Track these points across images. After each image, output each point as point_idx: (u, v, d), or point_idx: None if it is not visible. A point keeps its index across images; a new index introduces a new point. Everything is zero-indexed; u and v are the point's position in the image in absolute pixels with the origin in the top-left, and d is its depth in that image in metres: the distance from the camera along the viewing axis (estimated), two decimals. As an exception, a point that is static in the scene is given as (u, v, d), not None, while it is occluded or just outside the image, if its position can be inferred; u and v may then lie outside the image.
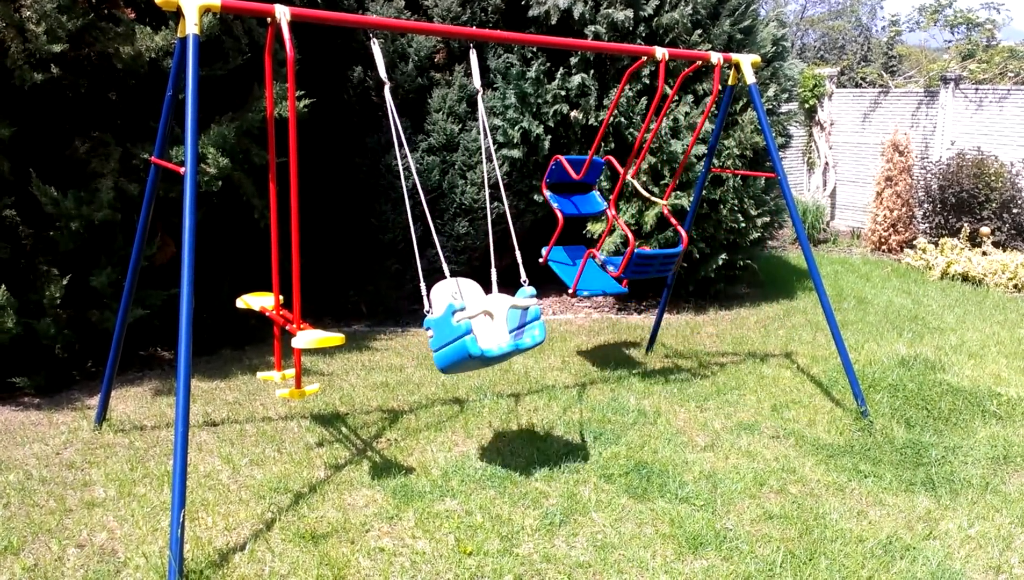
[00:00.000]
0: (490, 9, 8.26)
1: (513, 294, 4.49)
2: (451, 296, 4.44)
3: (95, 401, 5.62)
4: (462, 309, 4.17)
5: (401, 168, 5.02)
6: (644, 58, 5.50)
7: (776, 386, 6.25)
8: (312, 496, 4.32)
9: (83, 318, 5.92)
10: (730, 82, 5.90)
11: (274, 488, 4.40)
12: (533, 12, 8.11)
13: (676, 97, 8.23)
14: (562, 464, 4.79)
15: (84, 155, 5.81)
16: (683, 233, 6.07)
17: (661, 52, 5.36)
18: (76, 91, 5.72)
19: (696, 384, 6.26)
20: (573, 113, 8.18)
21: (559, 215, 6.00)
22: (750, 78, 5.67)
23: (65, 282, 5.60)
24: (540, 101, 8.08)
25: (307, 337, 4.15)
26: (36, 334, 5.62)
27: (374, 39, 4.46)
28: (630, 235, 5.90)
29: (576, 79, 8.02)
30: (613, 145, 8.17)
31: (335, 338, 4.16)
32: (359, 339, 7.36)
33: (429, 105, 8.07)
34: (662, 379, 6.34)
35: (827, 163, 13.54)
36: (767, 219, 8.74)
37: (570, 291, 5.89)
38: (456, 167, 8.07)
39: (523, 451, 4.96)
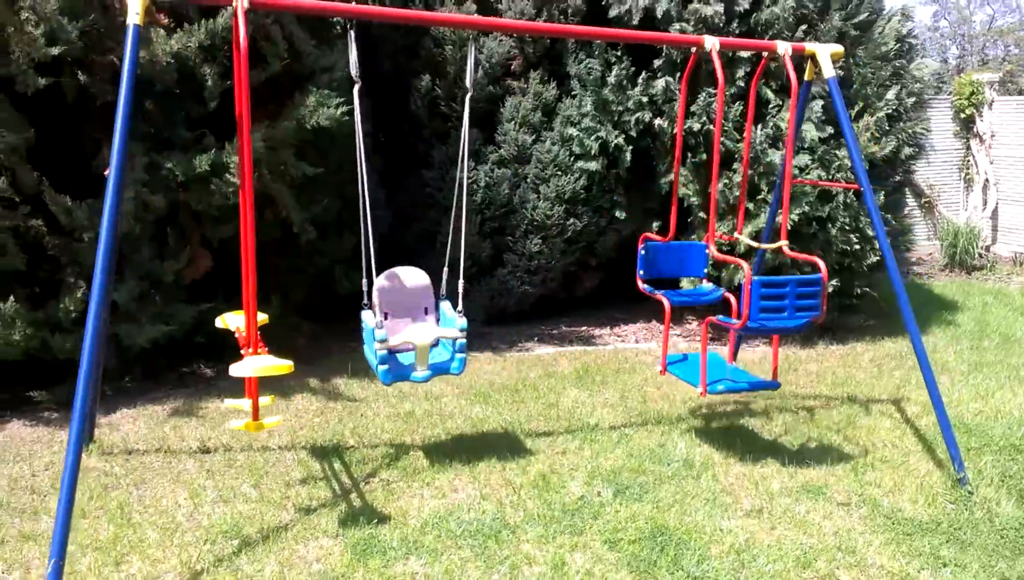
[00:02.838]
0: (570, 11, 7.61)
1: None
2: (375, 324, 4.17)
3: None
4: (384, 340, 4.06)
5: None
6: (695, 49, 4.73)
7: (868, 439, 5.22)
8: (259, 546, 3.80)
9: (111, 333, 5.72)
10: (807, 77, 5.00)
11: (225, 532, 3.91)
12: (614, 12, 7.39)
13: (779, 102, 7.28)
14: (565, 522, 4.06)
15: (112, 165, 5.63)
16: (821, 264, 4.61)
17: (711, 42, 4.57)
18: (104, 98, 5.55)
19: (765, 432, 5.34)
20: (658, 121, 7.38)
21: (665, 304, 4.84)
22: (828, 72, 4.77)
23: (79, 294, 5.40)
24: (621, 109, 7.34)
25: (249, 365, 3.66)
26: (52, 348, 5.45)
27: (351, 31, 3.98)
28: (744, 266, 4.52)
29: (660, 83, 7.23)
30: (704, 156, 7.32)
31: (282, 366, 3.65)
32: (412, 363, 6.86)
33: (501, 115, 7.50)
34: (726, 423, 5.46)
35: (987, 180, 11.93)
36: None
37: (700, 393, 4.64)
38: (528, 180, 7.45)
39: (526, 503, 4.26)
